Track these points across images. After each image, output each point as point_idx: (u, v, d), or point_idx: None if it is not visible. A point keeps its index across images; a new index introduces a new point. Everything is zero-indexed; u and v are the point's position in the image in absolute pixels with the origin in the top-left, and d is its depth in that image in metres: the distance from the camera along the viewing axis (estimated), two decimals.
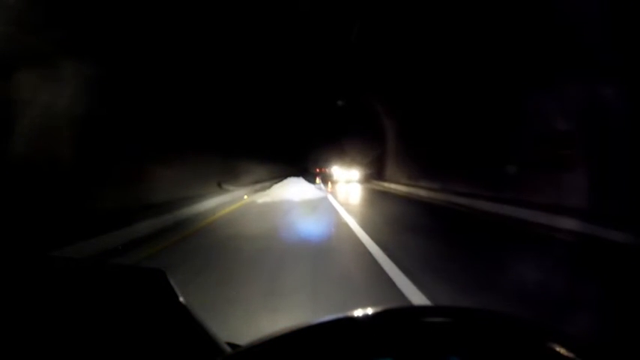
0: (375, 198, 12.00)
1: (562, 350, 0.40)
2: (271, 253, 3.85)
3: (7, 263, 0.77)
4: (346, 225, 5.81)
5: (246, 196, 11.10)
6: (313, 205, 8.87)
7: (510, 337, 0.44)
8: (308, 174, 24.27)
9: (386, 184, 17.03)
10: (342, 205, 8.91)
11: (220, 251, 4.10)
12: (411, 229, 5.71)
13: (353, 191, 14.73)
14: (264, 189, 13.38)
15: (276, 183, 13.28)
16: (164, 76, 7.06)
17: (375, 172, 20.47)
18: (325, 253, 3.97)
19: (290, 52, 12.31)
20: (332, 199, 10.25)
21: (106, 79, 5.10)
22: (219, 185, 11.72)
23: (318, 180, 21.14)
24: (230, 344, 0.68)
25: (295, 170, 22.62)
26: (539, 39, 6.30)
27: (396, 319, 0.47)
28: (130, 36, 5.66)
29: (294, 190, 11.81)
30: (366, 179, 21.71)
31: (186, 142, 8.75)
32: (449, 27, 8.25)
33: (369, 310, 0.46)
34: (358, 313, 0.46)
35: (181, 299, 0.68)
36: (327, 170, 31.08)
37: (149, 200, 6.39)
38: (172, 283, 0.70)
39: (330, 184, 19.12)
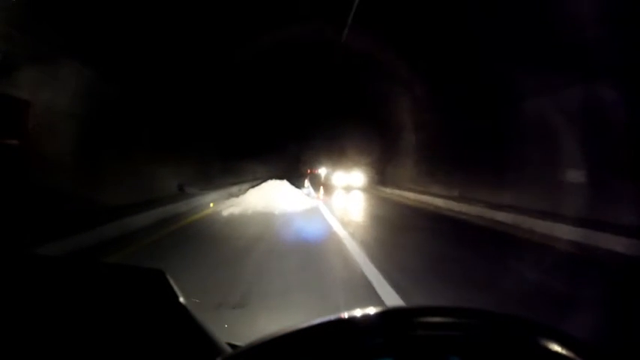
0: (393, 213, 10.12)
1: (562, 350, 0.41)
2: None
3: (6, 263, 0.82)
4: (365, 281, 3.13)
5: (212, 204, 8.50)
6: (300, 224, 6.58)
7: (510, 337, 0.45)
8: (296, 176, 21.27)
9: (398, 192, 13.82)
10: (344, 225, 6.19)
11: None
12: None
13: (354, 201, 12.02)
14: (240, 193, 12.01)
15: (254, 186, 10.84)
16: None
17: (382, 175, 17.29)
18: None
19: (279, 28, 10.11)
20: (327, 213, 7.72)
21: None
22: (181, 189, 9.00)
23: (306, 183, 18.06)
24: (230, 344, 0.72)
25: (281, 171, 19.63)
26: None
27: (396, 319, 0.48)
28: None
29: (275, 195, 10.26)
30: (370, 184, 18.24)
31: (148, 136, 7.69)
32: None
33: (369, 310, 0.47)
34: (358, 313, 0.47)
35: (181, 299, 0.72)
36: (318, 172, 27.54)
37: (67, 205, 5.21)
38: (172, 283, 0.75)
39: (322, 189, 16.15)
